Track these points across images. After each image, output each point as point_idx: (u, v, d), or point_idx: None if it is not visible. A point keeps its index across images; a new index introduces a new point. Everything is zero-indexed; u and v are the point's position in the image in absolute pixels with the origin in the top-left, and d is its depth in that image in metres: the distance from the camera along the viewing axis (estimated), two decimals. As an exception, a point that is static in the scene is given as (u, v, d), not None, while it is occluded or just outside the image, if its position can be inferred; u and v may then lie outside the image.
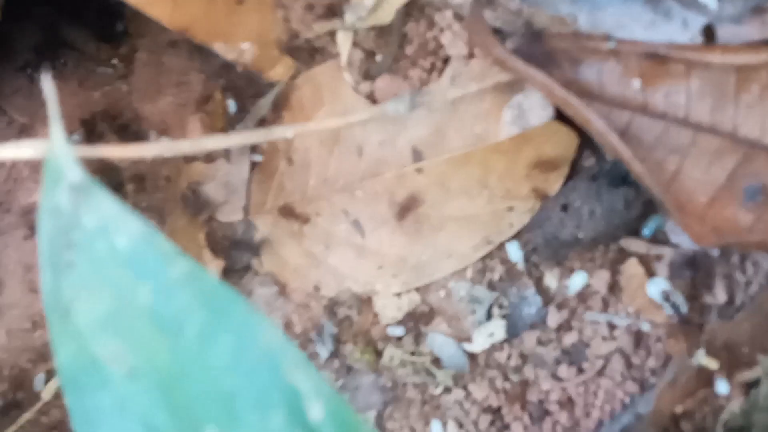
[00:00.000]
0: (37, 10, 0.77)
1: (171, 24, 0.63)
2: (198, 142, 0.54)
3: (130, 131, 0.77)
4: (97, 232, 0.36)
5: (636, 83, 0.56)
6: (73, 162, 0.38)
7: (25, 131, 0.78)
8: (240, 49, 0.66)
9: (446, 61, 0.64)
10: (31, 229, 0.74)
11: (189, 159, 0.74)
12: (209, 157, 0.74)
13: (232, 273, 0.72)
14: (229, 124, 0.72)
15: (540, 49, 0.58)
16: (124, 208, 0.38)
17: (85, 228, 0.36)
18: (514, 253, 0.65)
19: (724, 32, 0.53)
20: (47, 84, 0.40)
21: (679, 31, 0.54)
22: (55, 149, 0.39)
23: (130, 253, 0.36)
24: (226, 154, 0.73)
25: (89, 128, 0.78)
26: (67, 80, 0.80)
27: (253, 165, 0.71)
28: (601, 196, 0.61)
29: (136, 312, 0.36)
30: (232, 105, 0.72)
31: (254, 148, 0.72)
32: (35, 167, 0.78)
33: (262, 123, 0.70)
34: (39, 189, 0.74)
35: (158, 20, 0.62)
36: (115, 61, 0.79)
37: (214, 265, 0.72)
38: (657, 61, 0.55)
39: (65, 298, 0.37)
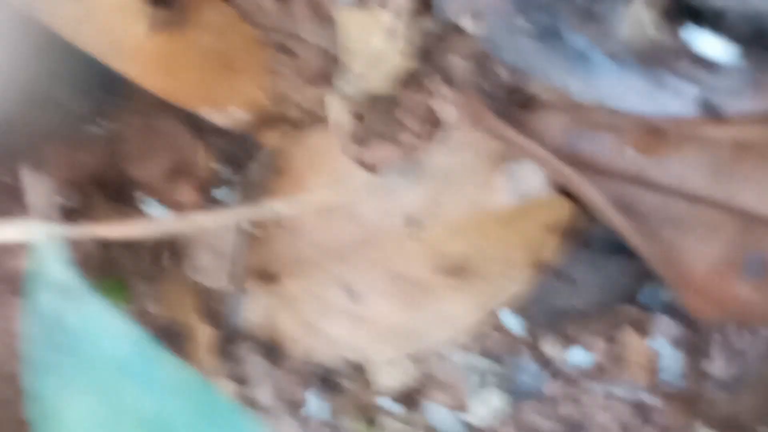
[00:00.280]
0: (22, 71, 0.76)
1: (163, 93, 0.62)
2: (192, 219, 0.53)
3: (119, 194, 0.76)
4: (84, 334, 0.35)
5: (631, 153, 0.56)
6: (58, 260, 0.37)
7: (10, 192, 0.77)
8: (231, 114, 0.66)
9: (438, 125, 0.64)
10: (16, 294, 0.73)
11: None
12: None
13: (223, 339, 0.71)
14: (220, 188, 0.72)
15: (531, 117, 0.58)
16: (112, 310, 0.37)
17: (72, 330, 0.35)
18: (510, 321, 0.64)
19: (720, 104, 0.53)
20: (27, 177, 0.39)
21: (674, 101, 0.54)
22: (38, 245, 0.38)
23: (119, 355, 0.35)
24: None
25: (75, 190, 0.78)
26: (53, 138, 0.80)
27: (242, 229, 0.70)
28: (597, 264, 0.60)
29: (124, 416, 0.35)
30: (223, 169, 0.72)
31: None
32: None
33: (253, 188, 0.70)
34: (24, 253, 0.73)
35: (150, 90, 0.62)
36: (103, 121, 0.78)
37: (205, 332, 0.71)
38: (652, 131, 0.55)
39: (49, 401, 0.36)
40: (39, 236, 0.37)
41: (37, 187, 0.40)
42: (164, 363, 0.35)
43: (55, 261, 0.37)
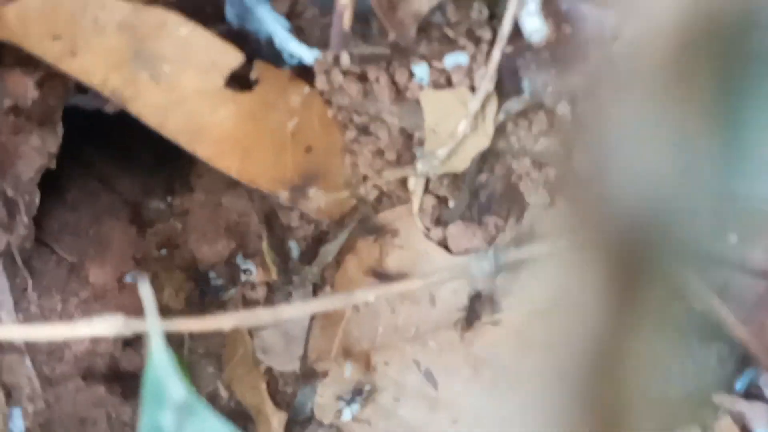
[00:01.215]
0: (88, 156, 0.75)
1: (239, 175, 0.61)
2: (278, 310, 0.52)
3: (186, 274, 0.75)
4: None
5: (733, 239, 0.54)
6: (176, 379, 0.36)
7: (74, 271, 0.75)
8: (309, 196, 0.64)
9: (523, 208, 0.62)
10: (85, 380, 0.71)
11: (248, 302, 0.72)
12: (269, 301, 0.71)
13: (295, 424, 0.69)
14: (291, 268, 0.70)
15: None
16: (228, 427, 0.36)
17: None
18: (599, 408, 0.62)
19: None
20: (145, 290, 0.38)
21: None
22: (155, 364, 0.36)
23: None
24: (288, 298, 0.71)
25: (142, 267, 0.76)
26: (119, 215, 0.78)
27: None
28: (693, 352, 0.58)
29: None
30: (294, 248, 0.70)
31: (316, 293, 0.70)
32: (87, 310, 0.75)
33: (327, 269, 0.68)
34: (118, 352, 0.71)
35: (226, 173, 0.60)
36: (170, 198, 0.77)
37: (277, 418, 0.69)
38: (755, 216, 0.53)
39: None
40: (156, 367, 0.35)
41: (147, 289, 0.38)
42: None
43: (173, 381, 0.36)
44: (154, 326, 0.36)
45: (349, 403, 0.65)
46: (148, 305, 0.36)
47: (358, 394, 0.65)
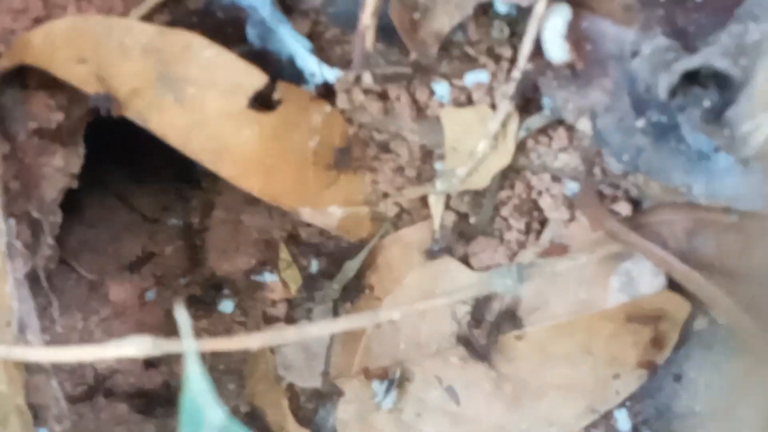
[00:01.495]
0: (107, 174, 0.75)
1: (261, 194, 0.61)
2: (303, 329, 0.52)
3: (205, 289, 0.75)
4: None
5: (758, 254, 0.54)
6: (214, 403, 0.36)
7: (95, 289, 0.76)
8: (328, 212, 0.64)
9: (543, 223, 0.62)
10: (108, 398, 0.71)
11: (269, 319, 0.72)
12: (289, 317, 0.72)
13: (317, 440, 0.69)
14: (311, 284, 0.70)
15: (652, 219, 0.56)
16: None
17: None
18: (623, 422, 0.62)
19: None
20: (181, 314, 0.38)
21: (803, 203, 0.52)
22: (192, 388, 0.37)
23: None
24: (308, 314, 0.71)
25: (163, 284, 0.76)
26: (137, 233, 0.79)
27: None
28: (719, 366, 0.58)
29: None
30: (314, 264, 0.70)
31: (336, 311, 0.70)
32: (108, 328, 0.76)
33: (350, 284, 0.68)
34: (139, 369, 0.72)
35: (249, 191, 0.61)
36: (189, 216, 0.77)
37: (300, 434, 0.69)
38: (780, 233, 0.53)
39: None
40: (193, 390, 0.36)
41: (183, 314, 0.39)
42: None
43: (211, 405, 0.36)
44: (190, 350, 0.36)
45: (386, 393, 0.65)
46: (184, 329, 0.36)
47: (390, 383, 0.65)
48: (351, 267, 0.68)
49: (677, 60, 0.49)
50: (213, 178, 0.75)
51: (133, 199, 0.80)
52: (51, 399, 0.57)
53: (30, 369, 0.57)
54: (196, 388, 0.37)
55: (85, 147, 0.64)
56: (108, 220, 0.80)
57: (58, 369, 0.65)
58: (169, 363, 0.73)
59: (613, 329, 0.61)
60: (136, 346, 0.51)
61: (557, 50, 0.56)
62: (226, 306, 0.74)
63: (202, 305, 0.75)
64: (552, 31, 0.55)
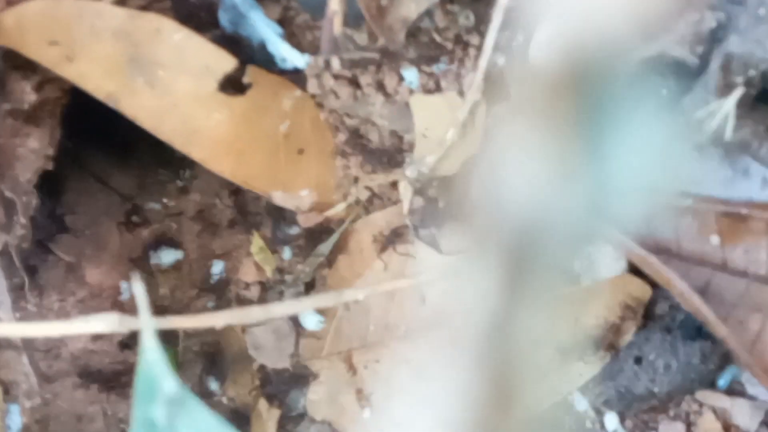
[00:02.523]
0: (85, 155, 0.76)
1: (233, 177, 0.62)
2: (269, 308, 0.53)
3: (181, 273, 0.76)
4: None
5: (714, 240, 0.55)
6: (168, 373, 0.37)
7: (71, 271, 0.77)
8: (299, 196, 0.66)
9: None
10: (82, 377, 0.72)
11: (241, 301, 0.73)
12: (262, 300, 0.73)
13: (288, 420, 0.70)
14: (284, 268, 0.71)
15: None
16: (220, 420, 0.37)
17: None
18: (582, 404, 0.63)
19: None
20: (137, 287, 0.39)
21: (758, 189, 0.54)
22: (147, 359, 0.38)
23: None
24: (279, 296, 0.72)
25: (138, 267, 0.77)
26: (116, 216, 0.79)
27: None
28: (677, 349, 0.59)
29: None
30: (286, 250, 0.71)
31: (309, 292, 0.71)
32: (84, 310, 0.77)
33: (321, 267, 0.69)
34: (115, 350, 0.73)
35: (220, 174, 0.62)
36: (165, 199, 0.78)
37: (270, 415, 0.70)
38: (736, 218, 0.55)
39: None
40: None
41: (139, 287, 0.40)
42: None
43: (165, 376, 0.37)
44: (146, 322, 0.37)
45: None
46: (140, 302, 0.37)
47: None
48: (322, 250, 0.69)
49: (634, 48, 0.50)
50: (189, 162, 0.76)
51: (110, 179, 0.80)
52: (21, 375, 0.58)
53: (1, 346, 0.58)
54: (151, 359, 0.38)
55: (61, 129, 0.65)
56: (86, 203, 0.80)
57: (31, 348, 0.66)
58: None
59: (575, 313, 0.62)
60: (103, 323, 0.52)
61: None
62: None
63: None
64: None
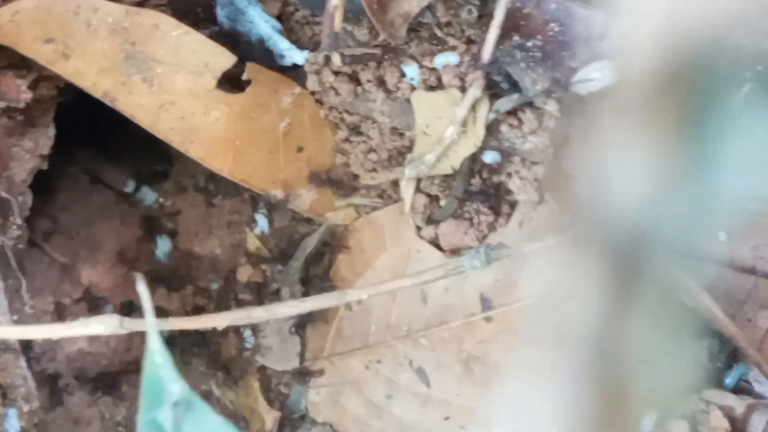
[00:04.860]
0: (80, 155, 0.75)
1: (231, 175, 0.61)
2: (271, 309, 0.52)
3: (178, 272, 0.75)
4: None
5: (722, 236, 0.55)
6: (174, 376, 0.36)
7: (66, 272, 0.76)
8: (298, 194, 0.65)
9: (513, 206, 0.63)
10: (79, 380, 0.71)
11: (241, 302, 0.72)
12: (259, 298, 0.72)
13: (288, 422, 0.69)
14: (279, 266, 0.70)
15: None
16: (225, 423, 0.36)
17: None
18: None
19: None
20: (142, 289, 0.38)
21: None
22: (153, 362, 0.37)
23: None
24: (281, 298, 0.71)
25: (133, 268, 0.76)
26: (109, 216, 0.78)
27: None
28: (684, 347, 0.58)
29: None
30: (283, 243, 0.70)
31: (307, 290, 0.70)
32: (79, 311, 0.76)
33: (314, 262, 0.68)
34: (111, 352, 0.72)
35: (218, 172, 0.61)
36: (161, 199, 0.77)
37: (270, 416, 0.69)
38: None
39: None
40: (155, 365, 0.36)
41: (144, 289, 0.39)
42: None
43: (172, 379, 0.36)
44: (151, 325, 0.36)
45: None
46: (145, 304, 0.37)
47: None
48: (308, 243, 0.67)
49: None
50: (184, 160, 0.75)
51: (104, 175, 0.79)
52: (19, 379, 0.57)
53: (-2, 349, 0.57)
54: (157, 361, 0.37)
55: (56, 128, 0.64)
56: (81, 203, 0.79)
57: (27, 350, 0.65)
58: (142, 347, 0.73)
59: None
60: (103, 325, 0.51)
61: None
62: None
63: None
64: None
